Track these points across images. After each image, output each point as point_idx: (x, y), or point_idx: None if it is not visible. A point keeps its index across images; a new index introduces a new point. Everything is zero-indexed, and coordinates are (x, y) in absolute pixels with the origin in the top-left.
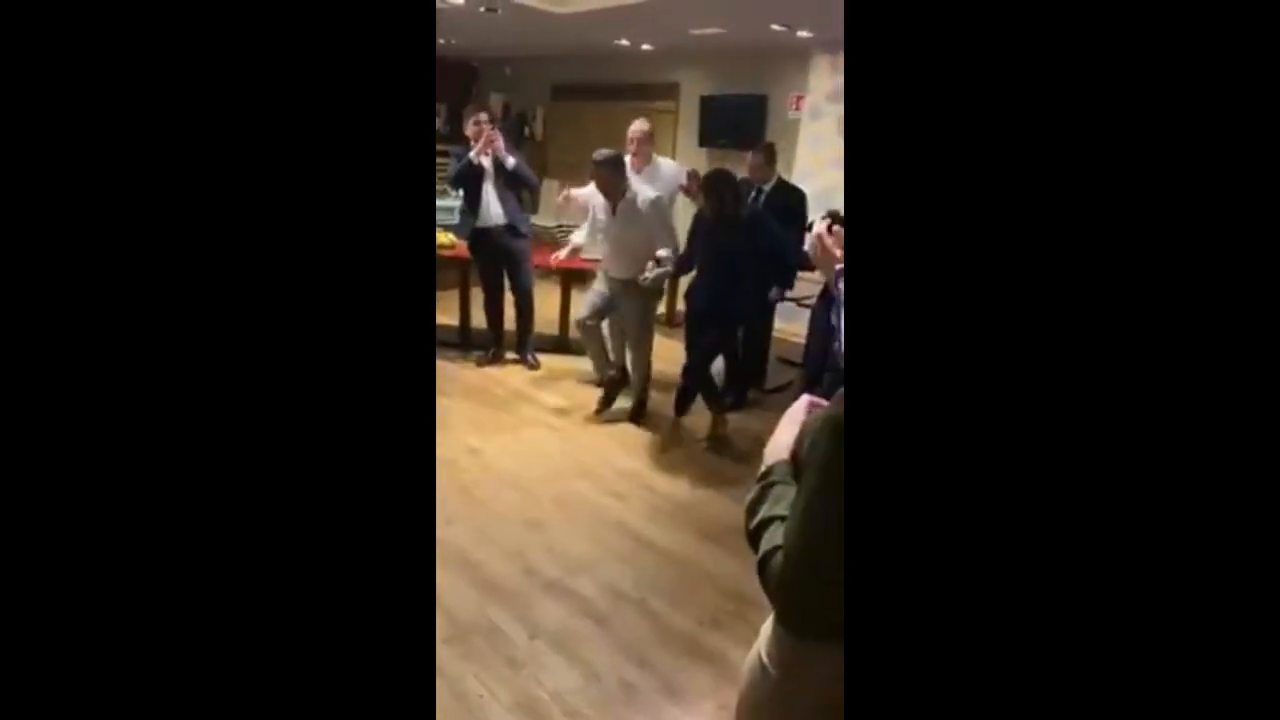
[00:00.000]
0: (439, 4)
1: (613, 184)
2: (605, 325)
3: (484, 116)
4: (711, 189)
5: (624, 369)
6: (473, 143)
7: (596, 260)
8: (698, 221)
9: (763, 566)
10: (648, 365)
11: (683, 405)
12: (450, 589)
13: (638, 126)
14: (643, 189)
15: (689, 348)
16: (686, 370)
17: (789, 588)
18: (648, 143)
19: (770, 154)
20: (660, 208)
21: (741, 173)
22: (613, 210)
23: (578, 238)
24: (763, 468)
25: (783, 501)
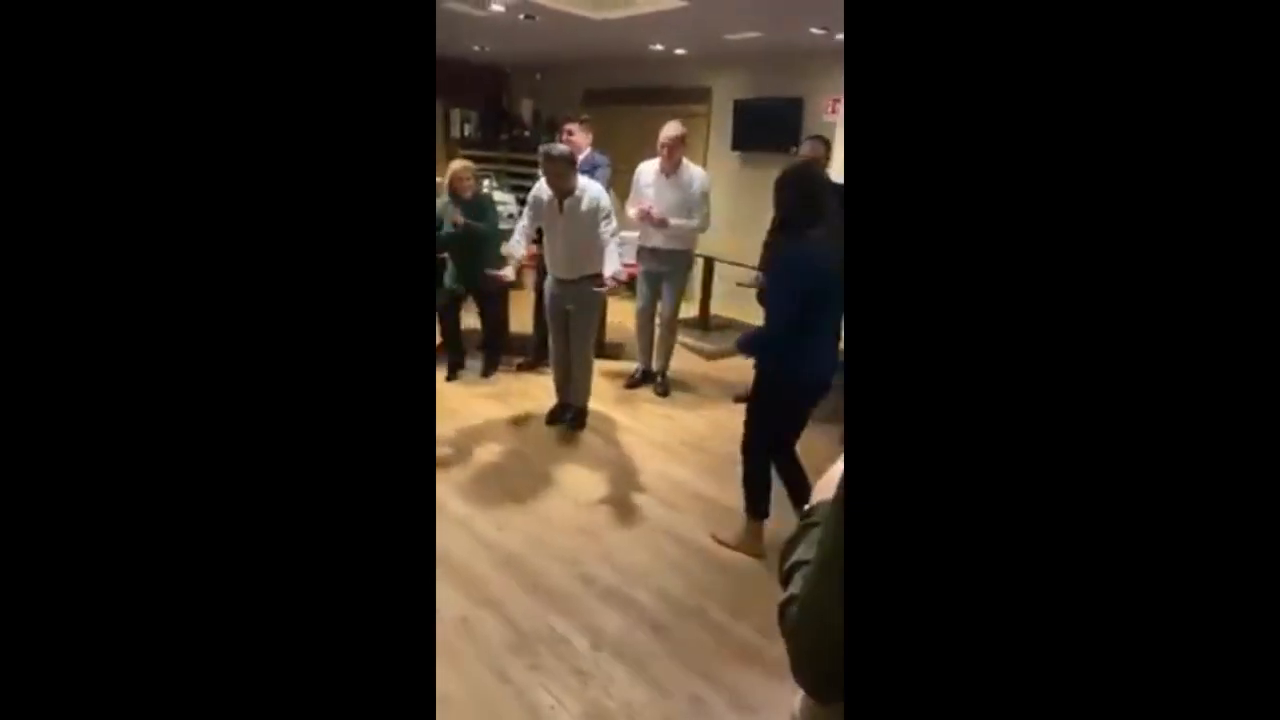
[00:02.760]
0: (479, 12)
1: (564, 180)
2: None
3: (574, 128)
4: (777, 190)
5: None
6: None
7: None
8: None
9: (781, 613)
10: (590, 371)
11: (755, 500)
12: (509, 596)
13: (670, 130)
14: (590, 188)
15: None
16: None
17: (797, 638)
18: (679, 147)
19: (828, 148)
20: (603, 213)
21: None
22: (559, 207)
23: (515, 248)
24: (809, 503)
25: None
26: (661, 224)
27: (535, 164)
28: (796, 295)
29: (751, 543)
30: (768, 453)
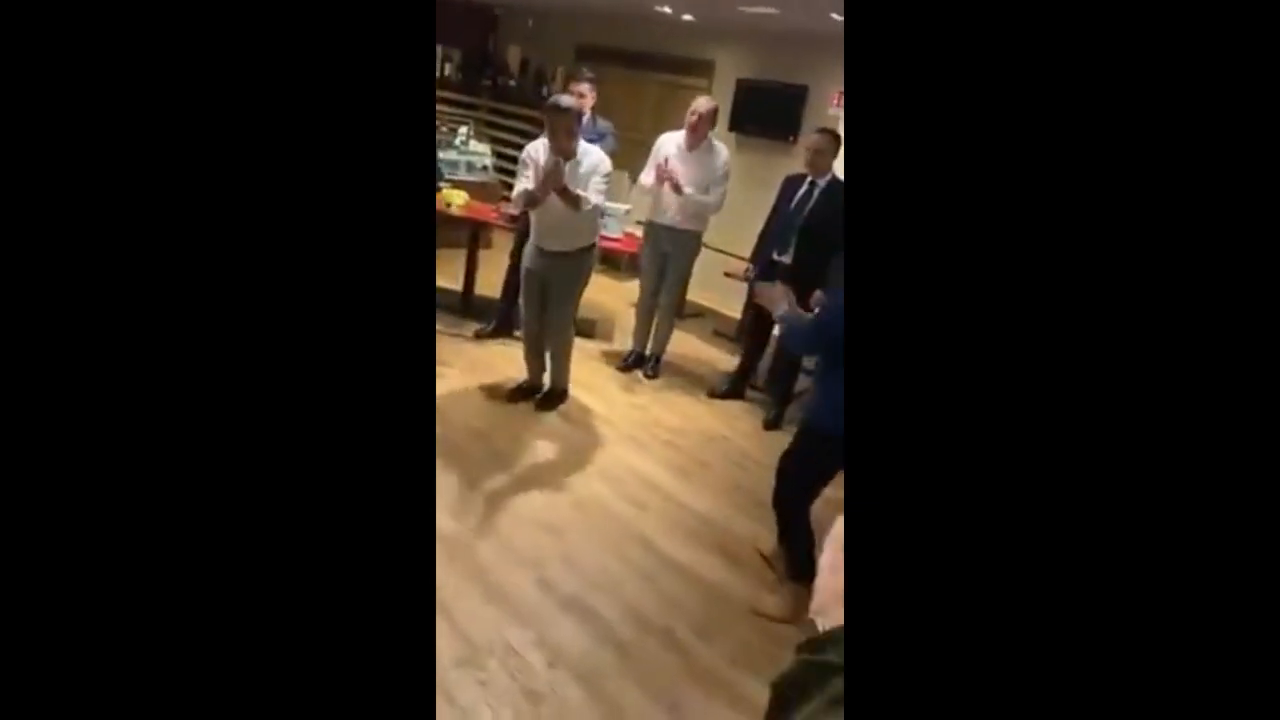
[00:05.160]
0: None
1: (570, 138)
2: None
3: (585, 88)
4: None
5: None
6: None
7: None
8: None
9: None
10: (569, 350)
11: (802, 560)
12: (462, 599)
13: (703, 104)
14: (592, 151)
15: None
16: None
17: None
18: (709, 122)
19: (837, 143)
20: (598, 174)
21: (791, 164)
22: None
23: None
24: (813, 608)
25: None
26: (676, 189)
27: (519, 117)
28: (835, 332)
29: (799, 611)
30: (805, 510)
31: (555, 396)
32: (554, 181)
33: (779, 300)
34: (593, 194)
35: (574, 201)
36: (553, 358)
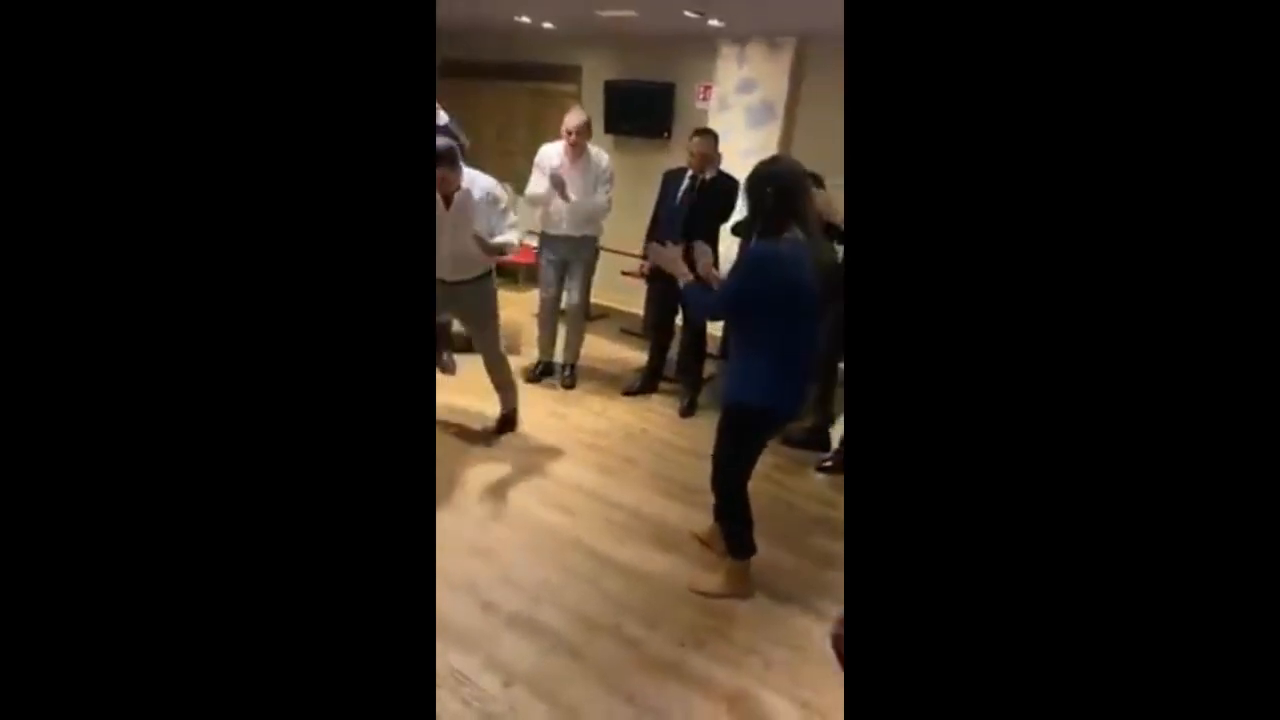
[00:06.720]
0: None
1: (450, 182)
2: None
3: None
4: (751, 187)
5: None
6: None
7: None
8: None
9: None
10: (508, 371)
11: (739, 539)
12: None
13: (575, 119)
14: (479, 178)
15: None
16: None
17: None
18: (585, 134)
19: (716, 138)
20: (495, 203)
21: (669, 161)
22: (446, 205)
23: None
24: None
25: None
26: (564, 197)
27: None
28: (745, 294)
29: (737, 585)
30: (743, 487)
31: (508, 421)
32: (487, 247)
33: (675, 262)
34: (509, 233)
35: (497, 250)
36: (496, 385)
